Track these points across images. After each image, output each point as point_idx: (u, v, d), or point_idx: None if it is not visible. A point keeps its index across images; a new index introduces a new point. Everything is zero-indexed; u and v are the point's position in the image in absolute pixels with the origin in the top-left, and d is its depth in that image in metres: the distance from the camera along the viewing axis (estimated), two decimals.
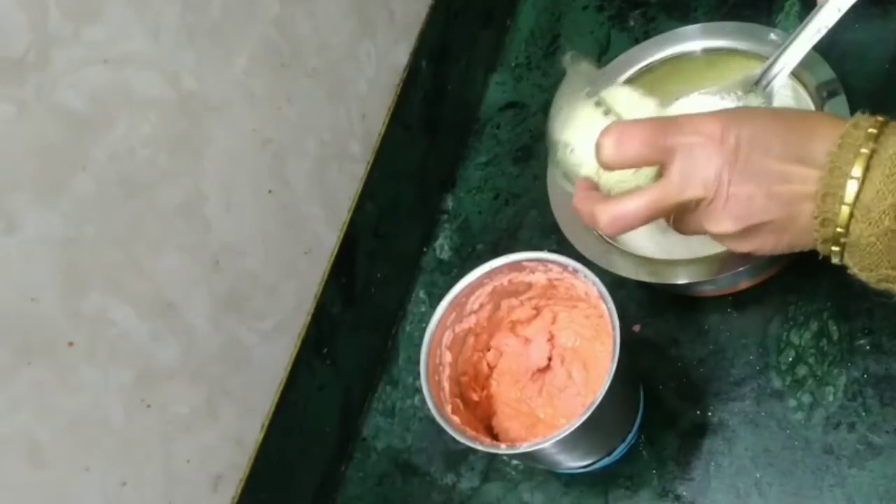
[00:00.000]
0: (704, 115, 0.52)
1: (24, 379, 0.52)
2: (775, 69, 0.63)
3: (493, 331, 0.70)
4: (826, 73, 0.65)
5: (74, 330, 0.55)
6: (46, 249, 0.53)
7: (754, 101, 0.64)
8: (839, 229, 0.49)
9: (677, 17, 0.85)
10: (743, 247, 0.53)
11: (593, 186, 0.58)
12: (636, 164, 0.53)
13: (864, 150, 0.47)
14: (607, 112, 0.57)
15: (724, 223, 0.51)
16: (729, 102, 0.64)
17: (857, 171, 0.47)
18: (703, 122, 0.51)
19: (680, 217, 0.55)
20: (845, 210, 0.48)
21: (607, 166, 0.53)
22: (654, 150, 0.51)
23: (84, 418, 0.56)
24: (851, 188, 0.47)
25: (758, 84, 0.63)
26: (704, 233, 0.54)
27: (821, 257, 0.52)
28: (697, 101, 0.67)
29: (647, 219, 0.53)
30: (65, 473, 0.55)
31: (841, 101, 0.64)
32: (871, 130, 0.48)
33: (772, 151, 0.49)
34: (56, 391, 0.54)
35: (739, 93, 0.64)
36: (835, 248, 0.50)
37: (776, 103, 0.68)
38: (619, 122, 0.53)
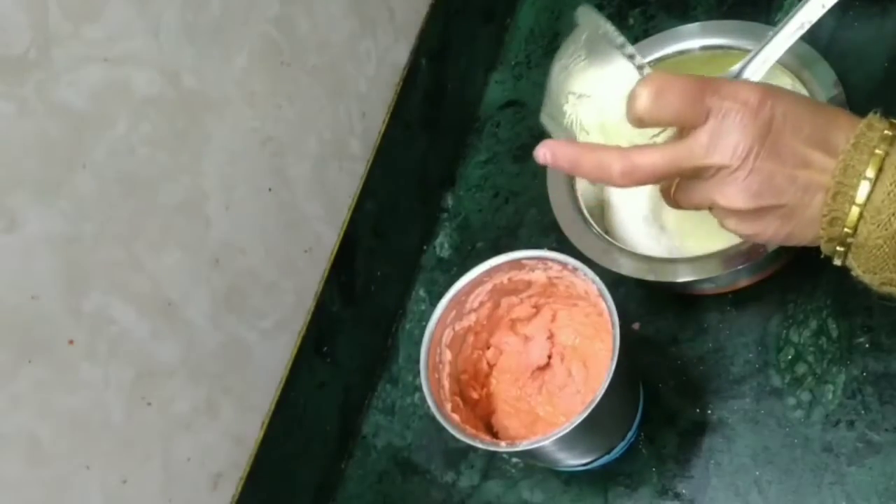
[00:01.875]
0: (743, 83, 0.51)
1: (24, 377, 0.52)
2: (756, 63, 0.62)
3: (492, 329, 0.70)
4: (826, 71, 0.65)
5: (75, 328, 0.55)
6: (47, 247, 0.53)
7: None
8: (847, 229, 0.48)
9: (677, 15, 0.85)
10: (745, 228, 0.52)
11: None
12: (670, 122, 0.51)
13: (879, 152, 0.47)
14: (641, 67, 0.54)
15: (739, 197, 0.50)
16: None
17: (870, 172, 0.47)
18: (741, 88, 0.50)
19: (690, 185, 0.53)
20: (855, 210, 0.47)
21: (639, 120, 0.51)
22: (692, 108, 0.49)
23: (84, 416, 0.56)
24: (863, 189, 0.47)
25: (738, 77, 0.63)
26: (709, 206, 0.53)
27: (822, 256, 0.52)
28: None
29: (664, 176, 0.52)
30: (65, 471, 0.55)
31: (840, 101, 0.64)
32: (886, 132, 0.48)
33: (801, 132, 0.49)
34: (56, 389, 0.54)
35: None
36: (840, 249, 0.50)
37: None
38: (660, 72, 0.51)
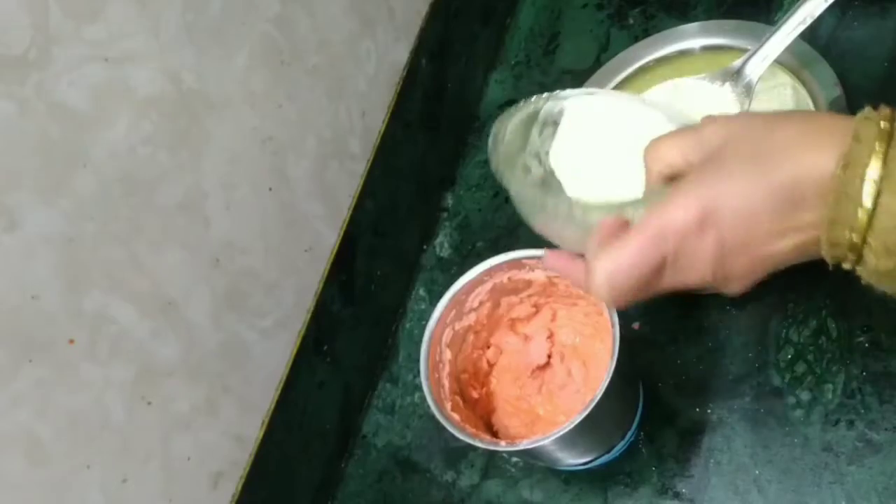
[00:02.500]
0: (675, 208, 0.48)
1: (24, 376, 0.52)
2: (756, 59, 0.62)
3: (492, 328, 0.70)
4: (825, 71, 0.65)
5: (75, 327, 0.55)
6: (47, 247, 0.53)
7: (732, 91, 0.63)
8: (854, 236, 0.44)
9: (677, 15, 0.85)
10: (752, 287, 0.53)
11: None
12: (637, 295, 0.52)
13: (871, 176, 0.43)
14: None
15: (731, 291, 0.52)
16: (708, 89, 0.64)
17: (867, 199, 0.43)
18: (674, 219, 0.48)
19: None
20: (855, 239, 0.44)
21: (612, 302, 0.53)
22: (649, 274, 0.50)
23: (84, 415, 0.56)
24: (862, 215, 0.43)
25: (738, 74, 0.63)
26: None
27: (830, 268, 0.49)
28: (673, 88, 0.67)
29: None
30: (65, 470, 0.55)
31: (840, 101, 0.64)
32: (875, 146, 0.43)
33: (760, 217, 0.46)
34: (57, 389, 0.54)
35: (718, 83, 0.64)
36: (851, 255, 0.46)
37: (775, 103, 0.69)
38: (603, 264, 0.50)
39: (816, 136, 0.46)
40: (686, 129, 0.52)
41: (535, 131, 0.64)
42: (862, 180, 0.43)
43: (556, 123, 0.65)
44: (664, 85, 0.69)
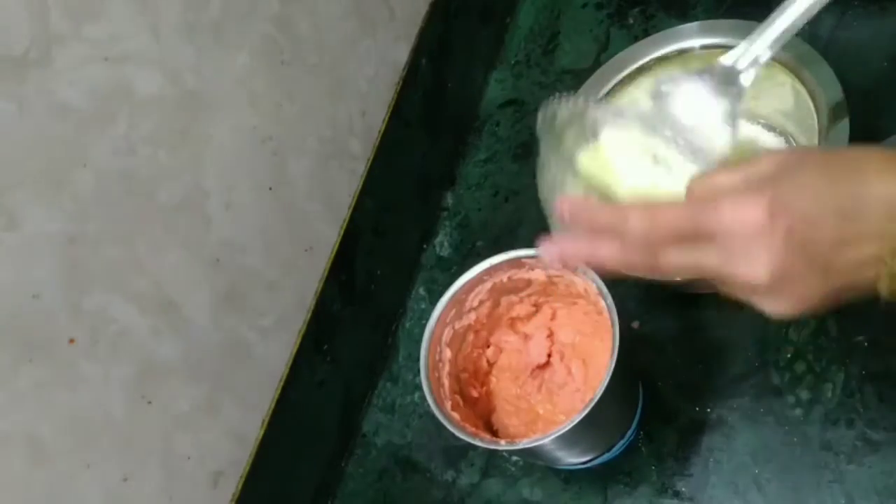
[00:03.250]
0: (746, 200, 0.45)
1: (25, 376, 0.52)
2: (748, 56, 0.62)
3: (492, 327, 0.70)
4: (825, 71, 0.65)
5: (75, 327, 0.55)
6: (48, 246, 0.53)
7: (728, 89, 0.63)
8: None
9: (676, 14, 0.85)
10: (795, 314, 0.47)
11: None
12: (673, 272, 0.48)
13: None
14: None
15: (783, 310, 0.46)
16: (702, 86, 0.64)
17: None
18: (744, 208, 0.44)
19: (723, 284, 0.48)
20: None
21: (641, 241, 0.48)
22: (692, 228, 0.46)
23: (85, 415, 0.56)
24: None
25: (733, 67, 0.62)
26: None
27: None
28: (666, 82, 0.66)
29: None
30: (66, 469, 0.55)
31: (840, 100, 0.64)
32: None
33: (827, 220, 0.44)
34: (57, 388, 0.54)
35: (707, 77, 0.63)
36: None
37: (775, 103, 0.69)
38: (647, 204, 0.48)
39: (882, 156, 0.45)
40: (739, 164, 0.48)
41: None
42: None
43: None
44: (658, 78, 0.68)
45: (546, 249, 0.52)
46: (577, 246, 0.51)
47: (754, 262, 0.44)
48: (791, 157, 0.47)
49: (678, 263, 0.47)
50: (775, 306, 0.46)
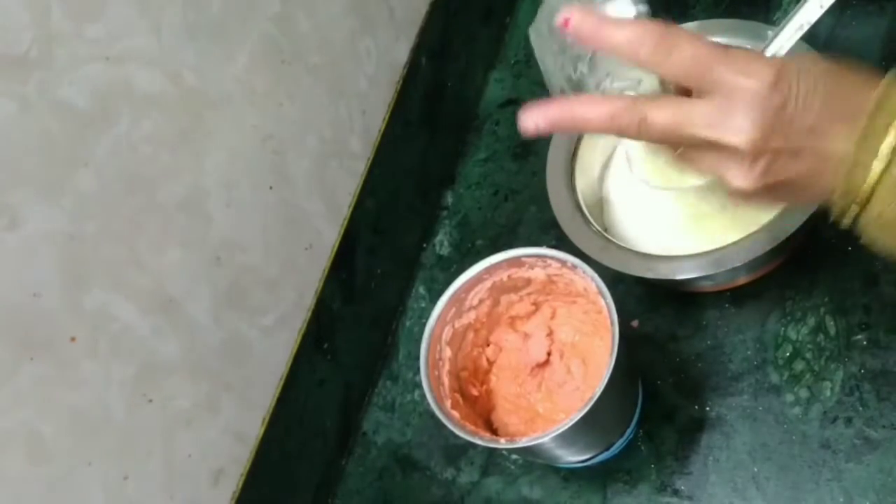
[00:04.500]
0: (759, 58, 0.47)
1: (26, 374, 0.53)
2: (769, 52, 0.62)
3: (492, 326, 0.71)
4: None
5: (76, 325, 0.55)
6: (48, 245, 0.54)
7: None
8: (859, 199, 0.45)
9: (676, 14, 0.85)
10: (755, 200, 0.49)
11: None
12: (672, 78, 0.48)
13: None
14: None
15: (746, 180, 0.47)
16: None
17: (889, 143, 0.44)
18: (755, 65, 0.46)
19: (695, 152, 0.49)
20: (871, 179, 0.44)
21: (639, 63, 0.48)
22: (699, 73, 0.46)
23: (86, 413, 0.56)
24: (880, 161, 0.44)
25: None
26: (716, 176, 0.49)
27: (830, 221, 0.49)
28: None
29: (665, 138, 0.48)
30: (67, 468, 0.55)
31: None
32: None
33: (814, 107, 0.45)
34: (58, 386, 0.55)
35: None
36: (852, 211, 0.46)
37: None
38: (673, 26, 0.48)
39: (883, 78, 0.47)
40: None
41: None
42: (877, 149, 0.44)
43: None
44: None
45: (528, 115, 0.49)
46: (560, 106, 0.49)
47: (744, 122, 0.45)
48: (806, 54, 0.49)
49: (665, 120, 0.47)
50: (740, 178, 0.47)
